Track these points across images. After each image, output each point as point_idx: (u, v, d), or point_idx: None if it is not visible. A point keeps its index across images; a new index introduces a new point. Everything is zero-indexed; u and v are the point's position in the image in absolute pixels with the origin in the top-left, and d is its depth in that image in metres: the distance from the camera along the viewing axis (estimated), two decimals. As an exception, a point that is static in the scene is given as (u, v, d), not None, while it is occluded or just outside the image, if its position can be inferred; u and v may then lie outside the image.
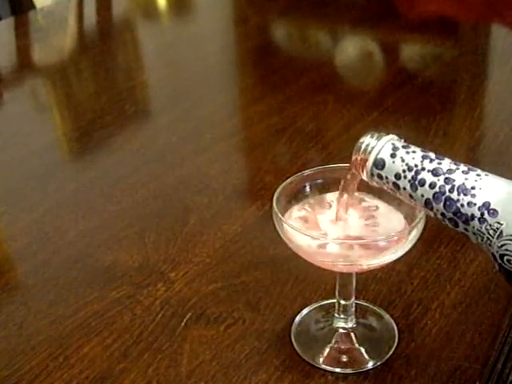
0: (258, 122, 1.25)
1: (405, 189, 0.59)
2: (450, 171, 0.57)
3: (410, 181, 0.59)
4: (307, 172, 0.74)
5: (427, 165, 0.58)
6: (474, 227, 0.55)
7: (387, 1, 1.79)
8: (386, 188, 0.62)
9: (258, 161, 1.13)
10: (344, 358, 0.76)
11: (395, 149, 0.60)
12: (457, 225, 0.57)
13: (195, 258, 0.90)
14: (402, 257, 0.68)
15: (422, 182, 0.58)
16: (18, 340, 0.79)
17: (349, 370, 0.74)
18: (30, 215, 1.01)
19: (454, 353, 0.74)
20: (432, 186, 0.57)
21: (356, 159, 0.62)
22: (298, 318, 0.80)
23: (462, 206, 0.56)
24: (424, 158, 0.59)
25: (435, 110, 1.24)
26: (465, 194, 0.56)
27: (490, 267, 0.86)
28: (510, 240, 0.52)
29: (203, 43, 1.65)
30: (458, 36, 1.67)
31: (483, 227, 0.55)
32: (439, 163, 0.58)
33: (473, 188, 0.56)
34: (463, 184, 0.56)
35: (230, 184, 1.06)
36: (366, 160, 0.61)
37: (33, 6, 1.91)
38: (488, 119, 1.28)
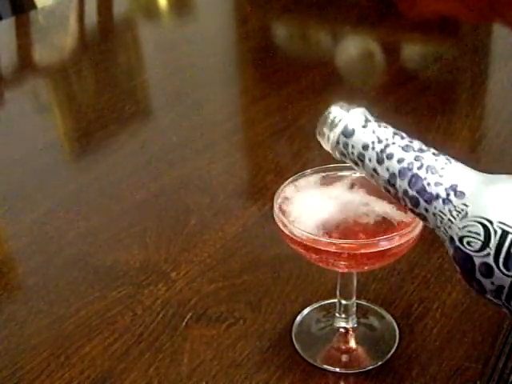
0: (259, 122, 1.25)
1: (370, 161, 0.58)
2: (420, 150, 0.56)
3: (377, 153, 0.57)
4: (308, 171, 0.74)
5: (398, 141, 0.57)
6: (435, 207, 0.54)
7: (388, 0, 1.79)
8: (347, 160, 0.60)
9: (258, 160, 1.13)
10: (345, 358, 0.76)
11: (367, 121, 0.59)
12: (417, 204, 0.55)
13: (196, 257, 0.90)
14: (402, 256, 0.68)
15: (390, 156, 0.57)
16: (19, 340, 0.79)
17: (349, 370, 0.74)
18: (30, 215, 1.01)
19: (454, 353, 0.74)
20: (400, 161, 0.56)
21: (323, 126, 0.61)
22: (298, 318, 0.80)
23: (429, 184, 0.55)
24: (396, 134, 0.58)
25: (436, 109, 1.24)
26: (433, 173, 0.55)
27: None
28: (474, 222, 0.51)
29: (204, 43, 1.65)
30: (458, 36, 1.67)
31: (446, 208, 0.53)
32: (410, 142, 0.57)
33: (442, 169, 0.55)
34: (433, 164, 0.55)
35: (230, 184, 1.06)
36: (335, 127, 0.60)
37: (34, 6, 1.91)
38: (489, 119, 1.28)
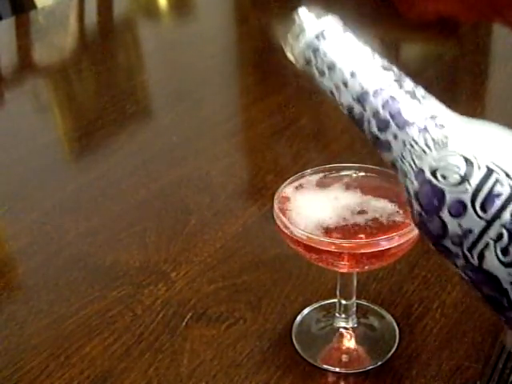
0: (259, 122, 1.25)
1: (341, 72, 0.52)
2: (400, 75, 0.52)
3: (353, 65, 0.51)
4: (308, 171, 0.74)
5: (378, 58, 0.52)
6: (408, 134, 0.49)
7: (387, 0, 1.79)
8: (311, 68, 0.55)
9: (258, 160, 1.13)
10: (345, 358, 0.76)
11: (346, 30, 0.54)
12: (386, 128, 0.50)
13: (196, 257, 0.90)
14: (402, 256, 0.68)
15: (368, 71, 0.51)
16: (19, 340, 0.79)
17: (349, 370, 0.74)
18: (30, 215, 1.01)
19: (454, 352, 0.74)
20: (378, 78, 0.51)
21: (294, 27, 0.55)
22: (298, 318, 0.80)
23: (406, 109, 0.49)
24: (375, 52, 0.53)
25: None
26: (412, 99, 0.50)
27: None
28: (455, 154, 0.45)
29: (204, 43, 1.65)
30: (458, 36, 1.67)
31: (422, 137, 0.48)
32: (390, 64, 0.53)
33: (422, 97, 0.50)
34: (413, 90, 0.51)
35: (230, 184, 1.06)
36: (308, 29, 0.54)
37: (34, 6, 1.91)
38: (489, 119, 1.27)
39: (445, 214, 0.44)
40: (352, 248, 0.66)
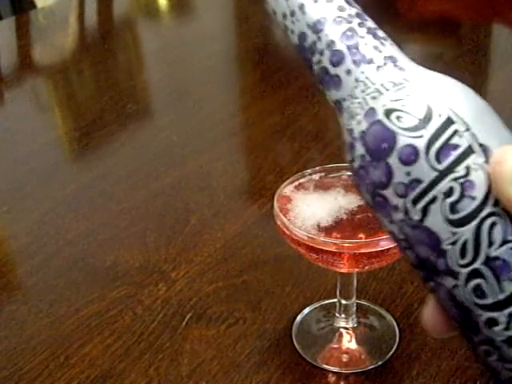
0: (259, 122, 1.25)
1: None
2: (363, 13, 0.47)
3: None
4: (308, 171, 0.74)
5: None
6: (363, 72, 0.44)
7: (388, 0, 1.79)
8: None
9: (259, 160, 1.13)
10: (345, 358, 0.76)
11: None
12: (339, 62, 0.44)
13: (196, 257, 0.90)
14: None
15: (330, 0, 0.45)
16: (19, 340, 0.80)
17: (350, 370, 0.74)
18: (30, 215, 1.01)
19: (454, 352, 0.74)
20: (340, 8, 0.45)
21: None
22: (298, 318, 0.80)
23: (366, 44, 0.44)
24: None
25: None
26: (374, 38, 0.45)
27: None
28: (416, 97, 0.40)
29: (204, 43, 1.65)
30: (458, 36, 1.67)
31: (379, 76, 0.43)
32: (354, 1, 0.47)
33: (384, 39, 0.45)
34: (375, 29, 0.46)
35: (231, 183, 1.06)
36: None
37: (34, 6, 1.91)
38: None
39: (393, 160, 0.40)
40: (352, 248, 0.66)
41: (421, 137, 0.39)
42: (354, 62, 0.44)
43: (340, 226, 0.68)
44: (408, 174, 0.39)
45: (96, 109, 1.35)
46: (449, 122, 0.39)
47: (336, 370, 0.74)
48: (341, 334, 0.77)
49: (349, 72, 0.44)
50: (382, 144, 0.40)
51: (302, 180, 0.74)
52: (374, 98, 0.42)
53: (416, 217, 0.39)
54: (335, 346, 0.77)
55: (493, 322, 0.38)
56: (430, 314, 0.41)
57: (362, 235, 0.67)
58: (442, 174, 0.38)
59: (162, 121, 1.31)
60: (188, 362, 0.75)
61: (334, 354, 0.76)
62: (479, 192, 0.38)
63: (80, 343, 0.79)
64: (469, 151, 0.38)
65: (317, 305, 0.82)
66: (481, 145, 0.38)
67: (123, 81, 1.50)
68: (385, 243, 0.65)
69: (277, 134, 1.20)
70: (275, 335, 0.78)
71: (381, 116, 0.41)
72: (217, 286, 0.86)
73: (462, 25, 1.71)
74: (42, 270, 0.90)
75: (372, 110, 0.42)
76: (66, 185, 1.09)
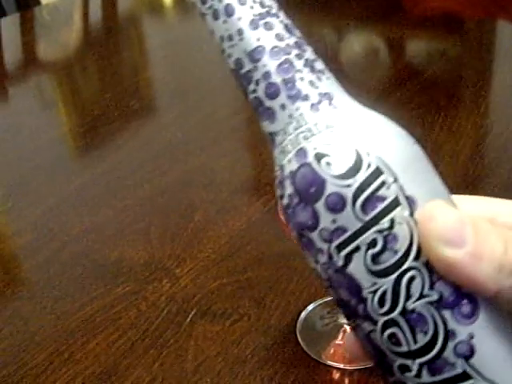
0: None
1: (239, 20, 0.43)
2: (303, 41, 0.44)
3: (254, 14, 0.43)
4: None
5: (283, 16, 0.44)
6: (298, 109, 0.42)
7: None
8: (205, 5, 0.45)
9: (263, 157, 1.13)
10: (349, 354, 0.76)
11: None
12: (274, 95, 0.43)
13: (200, 253, 0.90)
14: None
15: (269, 27, 0.43)
16: (24, 336, 0.80)
17: (354, 366, 0.74)
18: (35, 211, 1.01)
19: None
20: (279, 37, 0.43)
21: None
22: (303, 314, 0.80)
23: (302, 79, 0.42)
24: (281, 9, 0.44)
25: (440, 106, 1.24)
26: (311, 71, 0.43)
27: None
28: (347, 143, 0.39)
29: (209, 39, 1.65)
30: (463, 32, 1.66)
31: (312, 115, 0.41)
32: (292, 26, 0.44)
33: (320, 72, 0.43)
34: (313, 60, 0.43)
35: (235, 180, 1.06)
36: None
37: (38, 2, 1.91)
38: (493, 115, 1.27)
39: (320, 206, 0.39)
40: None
41: (349, 186, 0.38)
42: (289, 97, 0.42)
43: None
44: (334, 221, 0.39)
45: (100, 105, 1.35)
46: (377, 172, 0.38)
47: (340, 366, 0.74)
48: (345, 331, 0.77)
49: (283, 107, 0.42)
50: (310, 188, 0.39)
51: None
52: (306, 138, 0.41)
53: (339, 263, 0.39)
54: (339, 342, 0.77)
55: (405, 369, 0.38)
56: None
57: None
58: (367, 226, 0.38)
59: (166, 117, 1.31)
60: (192, 358, 0.75)
61: (338, 351, 0.76)
62: (402, 246, 0.38)
63: (84, 339, 0.79)
64: (395, 204, 0.38)
65: (321, 301, 0.82)
66: (407, 197, 0.38)
67: (127, 77, 1.50)
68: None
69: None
70: (280, 331, 0.78)
71: (311, 159, 0.39)
72: (221, 283, 0.86)
73: (466, 21, 1.71)
74: (46, 267, 0.90)
75: (303, 151, 0.40)
76: (70, 181, 1.09)
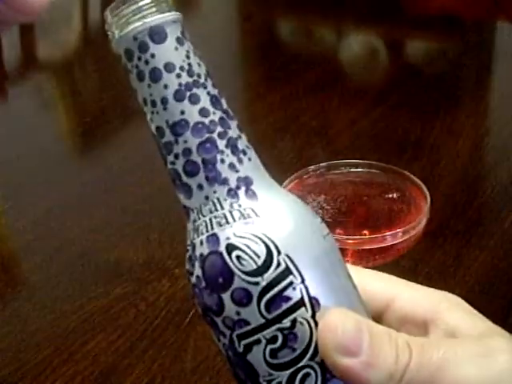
0: (263, 118, 1.25)
1: (166, 87, 0.42)
2: (227, 113, 0.44)
3: (180, 85, 0.42)
4: (312, 168, 0.74)
5: (210, 86, 0.43)
6: (215, 192, 0.41)
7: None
8: (127, 64, 0.47)
9: (262, 156, 1.12)
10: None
11: (185, 36, 0.45)
12: (194, 173, 0.42)
13: (200, 253, 0.90)
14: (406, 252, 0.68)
15: (195, 100, 0.42)
16: (23, 336, 0.80)
17: None
18: (34, 211, 1.01)
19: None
20: (203, 113, 0.42)
21: (121, 9, 0.46)
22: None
23: (222, 161, 0.41)
24: (209, 76, 0.44)
25: (440, 106, 1.24)
26: (232, 152, 0.42)
27: (495, 263, 0.86)
28: (259, 240, 0.39)
29: (208, 39, 1.65)
30: (462, 32, 1.66)
31: (228, 202, 0.41)
32: (220, 95, 0.44)
33: (243, 153, 0.43)
34: (236, 139, 0.43)
35: (234, 180, 1.06)
36: (142, 18, 0.44)
37: (37, 2, 1.91)
38: (492, 116, 1.27)
39: (226, 296, 0.39)
40: (355, 244, 0.66)
41: (256, 284, 0.39)
42: (208, 178, 0.41)
43: (344, 222, 0.68)
44: (238, 313, 0.39)
45: (99, 105, 1.35)
46: (286, 272, 0.39)
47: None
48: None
49: (200, 187, 0.42)
50: (218, 278, 0.40)
51: (305, 176, 0.74)
52: (219, 224, 0.41)
53: (239, 349, 0.40)
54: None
55: None
56: None
57: (365, 231, 0.67)
58: (269, 323, 0.39)
59: (165, 117, 1.30)
60: (192, 358, 0.75)
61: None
62: (300, 345, 0.38)
63: (84, 339, 0.79)
64: (299, 305, 0.39)
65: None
66: (312, 298, 0.39)
67: (126, 77, 1.50)
68: (389, 239, 0.65)
69: (280, 130, 1.20)
70: (279, 331, 0.78)
71: (222, 249, 0.40)
72: (220, 283, 0.85)
73: (465, 21, 1.71)
74: (45, 267, 0.90)
75: (215, 238, 0.41)
76: (69, 181, 1.09)
